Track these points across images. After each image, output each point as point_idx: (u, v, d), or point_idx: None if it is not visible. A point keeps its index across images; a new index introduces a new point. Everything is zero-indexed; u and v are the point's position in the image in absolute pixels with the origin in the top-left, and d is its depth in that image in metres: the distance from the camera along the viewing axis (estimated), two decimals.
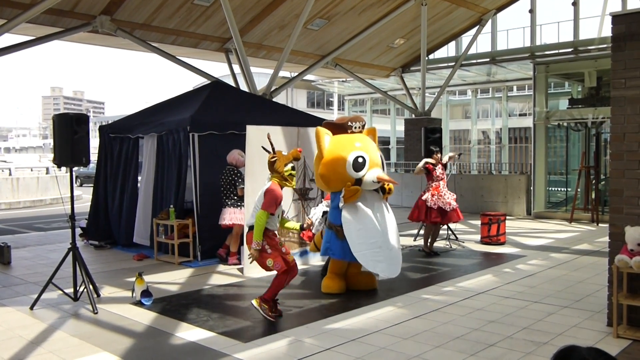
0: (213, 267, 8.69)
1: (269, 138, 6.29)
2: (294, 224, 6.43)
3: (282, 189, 6.00)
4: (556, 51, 16.71)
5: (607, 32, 14.40)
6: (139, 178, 10.48)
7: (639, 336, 5.23)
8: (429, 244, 9.78)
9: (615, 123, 5.54)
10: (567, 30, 17.85)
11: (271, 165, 6.02)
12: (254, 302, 5.96)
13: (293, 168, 6.12)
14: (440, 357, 4.87)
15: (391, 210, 7.15)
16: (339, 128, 7.16)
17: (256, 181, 8.16)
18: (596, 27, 16.34)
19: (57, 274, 6.76)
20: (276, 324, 5.92)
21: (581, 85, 16.31)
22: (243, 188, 8.43)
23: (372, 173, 6.81)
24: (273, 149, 6.14)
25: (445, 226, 10.40)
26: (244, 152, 8.42)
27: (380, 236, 6.79)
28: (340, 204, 6.82)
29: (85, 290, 6.56)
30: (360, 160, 6.80)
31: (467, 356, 4.88)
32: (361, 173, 6.79)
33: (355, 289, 7.17)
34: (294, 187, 6.54)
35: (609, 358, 1.58)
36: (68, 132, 6.68)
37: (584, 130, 15.20)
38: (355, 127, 7.11)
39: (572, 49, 16.01)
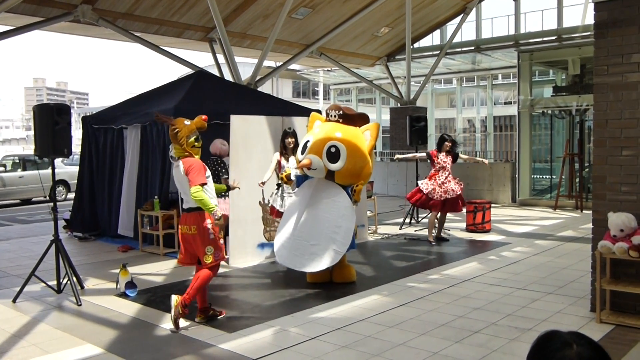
0: None
1: (157, 116, 5.72)
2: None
3: None
4: (540, 39, 16.76)
5: (590, 19, 14.48)
6: (125, 169, 10.38)
7: (621, 321, 5.28)
8: (435, 231, 9.80)
9: (597, 110, 5.57)
10: (551, 18, 17.99)
11: (173, 137, 5.45)
12: (197, 319, 5.58)
13: (197, 139, 5.52)
14: (425, 344, 4.89)
15: (344, 206, 6.69)
16: (325, 116, 7.17)
17: (241, 171, 8.14)
18: (580, 14, 16.43)
19: (40, 266, 6.70)
20: (261, 314, 5.91)
21: (565, 73, 16.37)
22: (227, 179, 8.41)
23: (305, 156, 6.72)
24: (169, 121, 5.56)
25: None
26: (226, 142, 8.42)
27: (297, 226, 6.69)
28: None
29: (68, 282, 6.51)
30: (307, 144, 6.77)
31: (452, 343, 4.90)
32: (303, 156, 6.75)
33: (334, 281, 7.06)
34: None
35: (590, 342, 1.58)
36: (49, 123, 6.58)
37: (568, 118, 15.28)
38: (332, 116, 7.02)
39: (556, 37, 16.07)
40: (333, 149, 6.57)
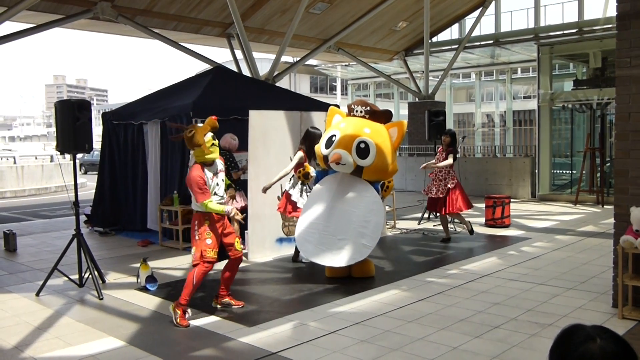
0: None
1: (168, 126, 6.06)
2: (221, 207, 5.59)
3: (206, 165, 5.52)
4: (561, 32, 16.55)
5: (612, 11, 14.29)
6: (148, 164, 10.48)
7: None
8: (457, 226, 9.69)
9: (620, 103, 5.49)
10: (571, 10, 17.78)
11: (190, 140, 5.50)
12: (170, 308, 5.56)
13: (214, 137, 5.58)
14: (445, 339, 4.87)
15: (372, 201, 6.70)
16: (348, 110, 7.15)
17: (259, 166, 8.16)
18: (601, 6, 16.20)
19: (63, 260, 6.79)
20: (280, 308, 5.93)
21: (586, 67, 16.18)
22: (237, 172, 8.46)
23: (331, 151, 6.66)
24: (182, 127, 5.80)
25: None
26: (237, 136, 8.48)
27: (323, 220, 6.67)
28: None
29: (90, 276, 6.58)
30: (333, 139, 6.72)
31: (472, 338, 4.88)
32: (328, 150, 6.70)
33: (353, 276, 7.02)
34: (218, 157, 5.68)
35: (615, 336, 1.57)
36: (70, 119, 6.65)
37: (589, 112, 15.10)
38: (357, 111, 6.97)
39: (576, 30, 15.86)
40: (363, 145, 6.57)
